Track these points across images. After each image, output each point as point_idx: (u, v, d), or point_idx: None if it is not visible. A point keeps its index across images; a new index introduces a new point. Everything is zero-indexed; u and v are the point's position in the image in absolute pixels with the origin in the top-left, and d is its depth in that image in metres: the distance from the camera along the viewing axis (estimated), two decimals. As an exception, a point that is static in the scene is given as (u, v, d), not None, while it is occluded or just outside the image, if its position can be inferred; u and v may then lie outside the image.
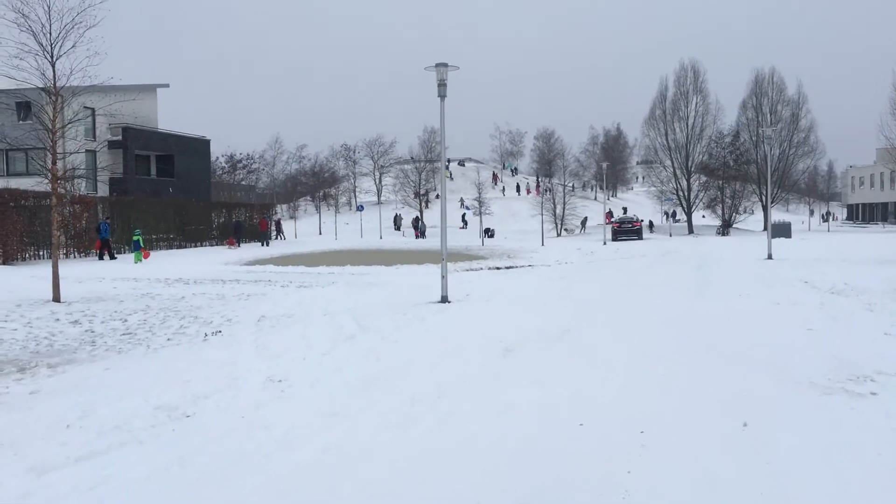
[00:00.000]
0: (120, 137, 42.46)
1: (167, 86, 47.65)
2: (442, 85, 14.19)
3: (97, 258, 29.48)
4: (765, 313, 12.31)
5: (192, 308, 14.48)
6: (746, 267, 22.87)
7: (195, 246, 40.35)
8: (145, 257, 28.71)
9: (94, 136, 41.65)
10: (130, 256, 29.44)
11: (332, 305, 14.43)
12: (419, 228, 59.78)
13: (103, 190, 41.94)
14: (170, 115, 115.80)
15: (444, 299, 14.42)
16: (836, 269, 20.81)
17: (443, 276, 14.57)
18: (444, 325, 11.49)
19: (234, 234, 43.29)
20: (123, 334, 11.49)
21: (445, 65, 14.07)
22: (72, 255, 30.13)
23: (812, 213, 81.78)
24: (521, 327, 11.02)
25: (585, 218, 62.48)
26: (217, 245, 42.51)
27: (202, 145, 49.55)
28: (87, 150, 40.63)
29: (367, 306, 14.10)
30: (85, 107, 40.85)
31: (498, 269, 24.22)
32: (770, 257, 26.04)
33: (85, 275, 22.15)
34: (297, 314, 13.34)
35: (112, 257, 29.72)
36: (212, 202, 47.25)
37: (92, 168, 41.34)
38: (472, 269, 23.86)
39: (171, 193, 43.99)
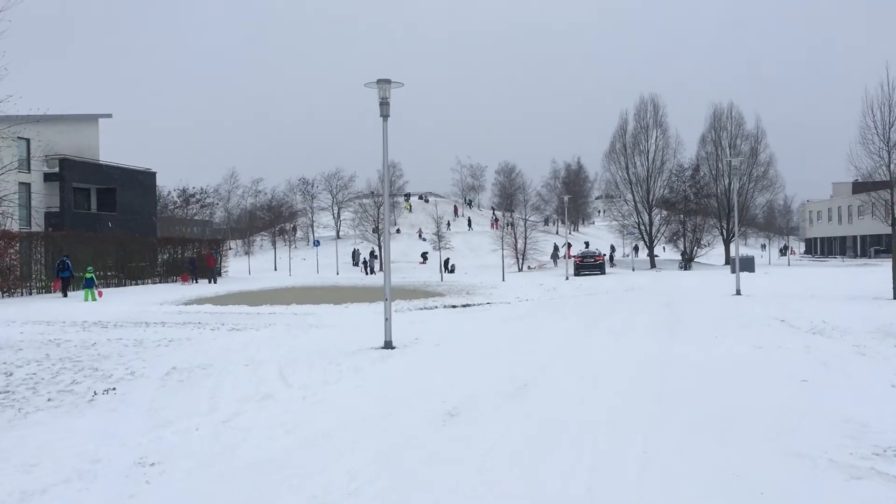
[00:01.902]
0: (57, 169, 40.08)
1: (110, 116, 45.48)
2: (384, 104, 12.66)
3: (62, 296, 28.62)
4: (749, 360, 10.86)
5: (98, 358, 12.58)
6: (716, 304, 21.61)
7: (137, 284, 38.03)
8: (99, 296, 27.27)
9: (29, 168, 39.28)
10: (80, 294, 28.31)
11: (260, 353, 12.65)
12: (368, 264, 57.94)
13: (38, 224, 39.53)
14: (115, 147, 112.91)
15: (388, 345, 12.73)
16: (810, 306, 19.65)
17: (386, 319, 12.89)
18: (381, 378, 9.79)
19: (189, 269, 41.29)
20: (-2, 393, 9.59)
21: (388, 81, 12.56)
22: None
23: (764, 247, 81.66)
24: (472, 380, 9.38)
25: (556, 247, 61.44)
26: (162, 283, 40.27)
27: (147, 178, 47.32)
28: (20, 183, 38.30)
29: (299, 354, 12.35)
30: (19, 137, 38.78)
31: (454, 307, 22.60)
32: (738, 293, 24.89)
33: (5, 316, 20.03)
34: (217, 364, 11.53)
35: (64, 295, 28.60)
36: (157, 238, 44.96)
37: (26, 201, 38.97)
38: (426, 308, 22.21)
39: (112, 228, 41.63)
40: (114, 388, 9.66)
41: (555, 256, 61.33)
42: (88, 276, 27.87)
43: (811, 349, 11.88)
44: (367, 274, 55.71)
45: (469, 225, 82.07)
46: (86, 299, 26.51)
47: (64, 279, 29.06)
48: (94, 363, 11.98)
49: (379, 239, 65.60)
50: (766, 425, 6.86)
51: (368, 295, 27.78)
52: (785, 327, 15.35)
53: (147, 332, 16.52)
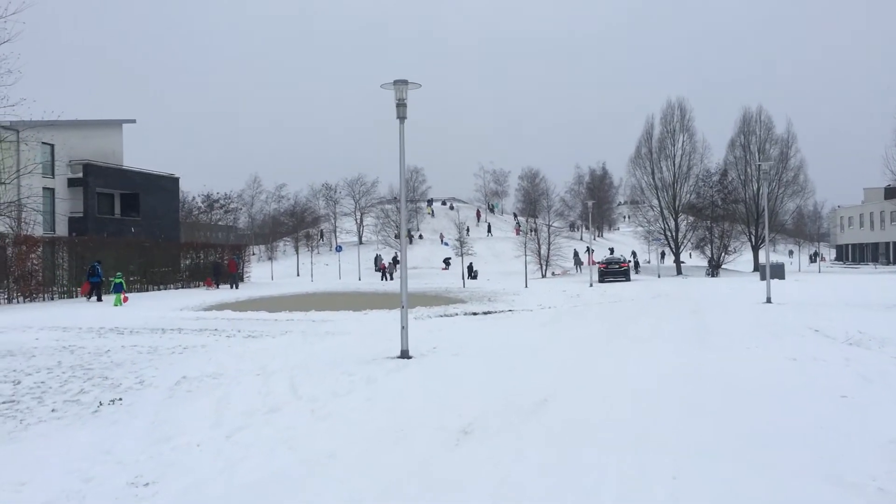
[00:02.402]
0: (80, 175, 40.24)
1: (133, 121, 45.69)
2: (401, 105, 12.27)
3: (86, 299, 29.27)
4: (783, 373, 10.30)
5: (109, 366, 12.32)
6: (745, 312, 20.93)
7: (160, 289, 38.01)
8: (124, 301, 27.67)
9: (53, 174, 39.48)
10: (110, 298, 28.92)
11: (273, 362, 12.29)
12: (388, 270, 57.43)
13: (62, 230, 39.71)
14: (139, 152, 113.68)
15: (404, 354, 12.31)
16: (845, 315, 18.93)
17: (403, 328, 12.47)
18: (395, 390, 9.37)
19: (214, 275, 41.31)
20: (3, 402, 9.32)
21: (405, 82, 12.18)
22: (14, 300, 27.82)
23: (791, 253, 80.00)
24: (489, 393, 8.93)
25: (576, 253, 60.68)
26: (184, 287, 40.26)
27: (170, 183, 47.44)
28: (44, 188, 38.51)
29: (312, 363, 11.98)
30: (43, 142, 39.01)
31: (475, 314, 22.14)
32: (769, 300, 24.15)
33: (24, 321, 19.94)
34: (228, 373, 11.20)
35: (99, 299, 28.91)
36: (179, 243, 45.01)
37: (49, 207, 39.16)
38: (446, 315, 21.77)
39: (135, 234, 41.73)
40: (120, 399, 9.35)
41: (577, 262, 60.57)
42: (118, 281, 28.48)
43: (850, 361, 11.27)
44: (382, 279, 55.29)
45: (489, 231, 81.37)
46: (115, 304, 27.03)
47: (94, 283, 29.56)
48: (105, 371, 11.71)
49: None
50: (805, 448, 6.34)
51: (389, 301, 27.40)
52: (819, 337, 14.72)
53: (163, 338, 16.27)
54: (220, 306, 26.74)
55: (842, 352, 12.48)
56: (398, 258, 63.39)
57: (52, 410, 8.81)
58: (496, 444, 6.50)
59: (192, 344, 15.27)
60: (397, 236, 66.18)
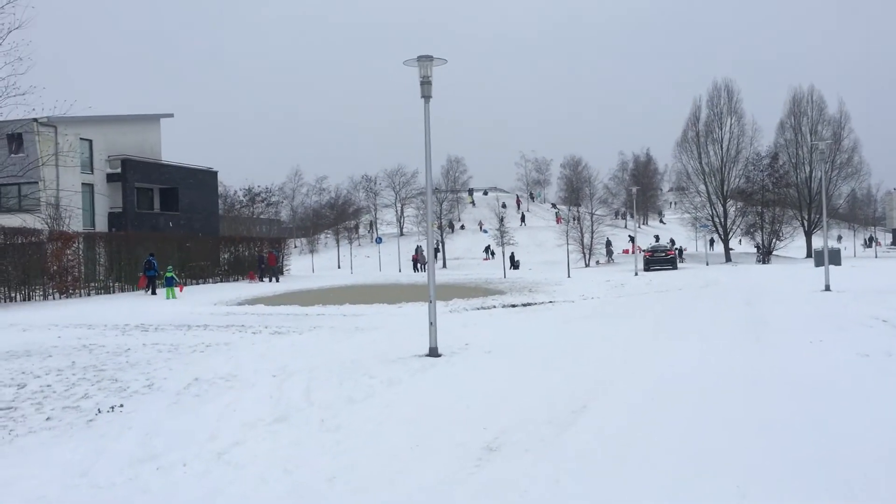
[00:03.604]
0: (119, 170, 40.21)
1: (171, 115, 45.57)
2: (426, 83, 11.34)
3: (148, 293, 29.96)
4: (855, 372, 9.14)
5: (124, 366, 11.68)
6: (803, 301, 19.57)
7: (199, 283, 37.79)
8: (180, 291, 28.86)
9: (92, 169, 39.51)
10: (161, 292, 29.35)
11: (294, 362, 11.50)
12: (418, 260, 56.50)
13: (102, 225, 39.78)
14: (177, 146, 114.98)
15: (433, 352, 11.43)
16: (911, 303, 17.51)
17: (431, 324, 11.57)
18: (417, 395, 8.48)
19: (258, 268, 41.25)
20: (1, 409, 8.70)
21: (430, 58, 11.24)
22: (50, 297, 27.71)
23: (840, 238, 76.71)
24: (522, 399, 7.98)
25: (609, 242, 58.82)
26: (223, 282, 40.02)
27: (209, 177, 47.27)
28: (83, 184, 38.58)
29: (335, 362, 11.16)
30: (81, 138, 39.08)
31: (514, 306, 21.16)
32: (828, 288, 22.68)
33: (52, 318, 19.61)
34: (243, 375, 10.44)
35: (153, 292, 29.68)
36: (218, 237, 44.82)
37: (89, 202, 39.26)
38: (483, 308, 20.83)
39: (173, 228, 41.61)
40: (121, 405, 8.63)
41: (609, 253, 58.64)
42: (169, 274, 28.94)
43: (930, 357, 10.05)
44: (415, 270, 54.42)
45: (522, 221, 79.47)
46: (168, 297, 27.67)
47: (150, 277, 30.16)
48: (117, 373, 11.06)
49: (442, 235, 64.59)
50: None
51: (425, 294, 26.30)
52: (889, 328, 13.44)
53: (186, 335, 15.66)
54: (254, 301, 26.22)
55: (918, 346, 11.22)
56: (438, 248, 62.70)
57: (47, 419, 8.14)
58: (525, 465, 5.55)
59: (215, 342, 14.61)
60: (439, 227, 65.47)
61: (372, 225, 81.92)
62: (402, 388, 8.85)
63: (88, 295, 29.88)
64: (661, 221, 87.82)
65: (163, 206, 44.18)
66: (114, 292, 31.50)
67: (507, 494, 4.96)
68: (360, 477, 5.39)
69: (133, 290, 32.59)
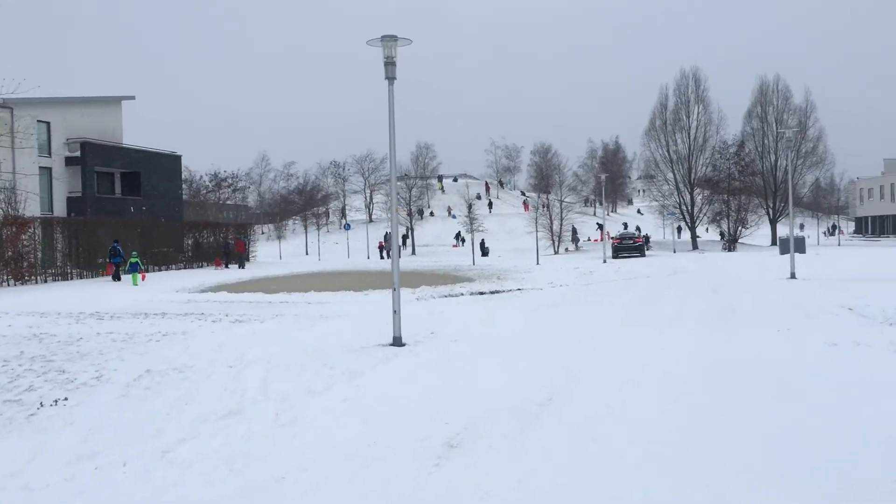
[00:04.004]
0: (78, 153, 39.10)
1: (133, 98, 44.41)
2: (390, 64, 10.96)
3: (114, 280, 29.50)
4: (826, 362, 9.00)
5: (74, 357, 11.18)
6: (770, 289, 19.59)
7: (161, 269, 36.96)
8: (142, 279, 28.35)
9: (50, 152, 38.39)
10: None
11: (253, 351, 11.11)
12: (384, 247, 56.29)
13: (60, 210, 38.71)
14: (140, 130, 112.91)
15: (397, 342, 11.11)
16: (877, 292, 17.58)
17: (395, 312, 11.24)
18: (377, 387, 8.16)
19: (224, 255, 40.66)
20: (-63, 404, 8.21)
21: (394, 38, 10.86)
22: (5, 283, 26.83)
23: (802, 226, 77.68)
24: (487, 391, 7.71)
25: (574, 230, 58.78)
26: (187, 268, 39.22)
27: (172, 161, 46.21)
28: (41, 167, 37.46)
29: (295, 352, 10.79)
30: (39, 120, 37.94)
31: (482, 294, 20.90)
32: (793, 276, 22.77)
33: (3, 306, 18.93)
34: (199, 365, 10.03)
35: (118, 279, 29.43)
36: (182, 223, 43.92)
37: (47, 186, 38.17)
38: (451, 295, 20.54)
39: (134, 213, 40.65)
40: (66, 399, 8.18)
41: (575, 240, 58.63)
42: (133, 260, 28.68)
43: (897, 346, 9.97)
44: (382, 258, 54.04)
45: (489, 208, 79.33)
46: (134, 283, 27.57)
47: (116, 264, 29.85)
48: (66, 364, 10.56)
49: (411, 222, 64.15)
50: (878, 466, 5.08)
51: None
52: (855, 317, 13.40)
53: (143, 324, 15.15)
54: (217, 288, 25.64)
55: (885, 334, 11.17)
56: (407, 235, 62.28)
57: (-17, 414, 7.68)
58: (486, 464, 5.26)
59: (172, 330, 14.13)
60: (408, 213, 64.99)
61: (342, 211, 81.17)
62: (363, 380, 8.52)
63: (45, 282, 29.02)
64: (638, 212, 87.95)
65: (124, 190, 43.11)
66: (71, 279, 30.65)
67: (466, 498, 4.66)
68: (312, 477, 5.07)
69: (92, 277, 31.80)
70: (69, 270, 31.12)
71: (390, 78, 11.02)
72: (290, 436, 6.14)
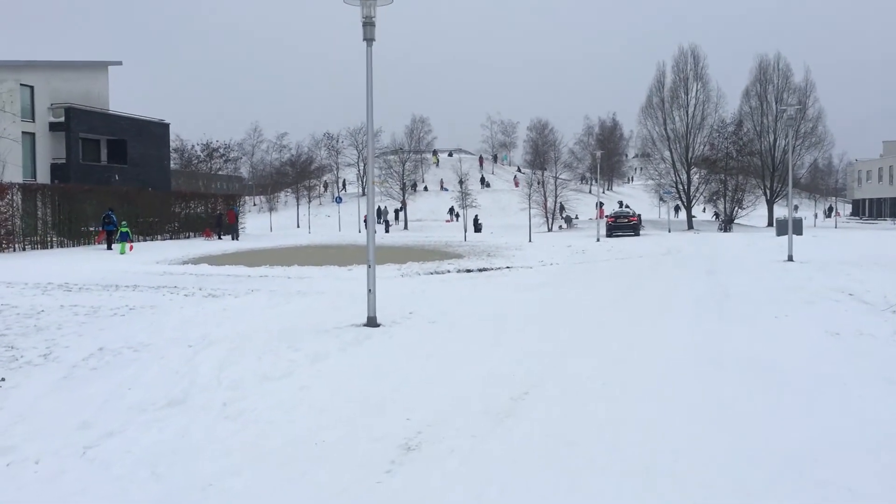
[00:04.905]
0: (63, 119, 38.12)
1: (119, 63, 43.33)
2: (369, 24, 10.18)
3: (106, 248, 29.56)
4: (828, 353, 8.38)
5: (28, 331, 10.51)
6: (766, 272, 18.95)
7: (147, 240, 36.19)
8: (130, 250, 28.21)
9: (33, 117, 37.41)
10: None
11: (218, 329, 10.45)
12: (383, 219, 55.68)
13: (44, 177, 37.83)
14: (129, 97, 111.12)
15: (371, 322, 10.44)
16: (876, 276, 16.99)
17: (369, 291, 10.56)
18: (341, 373, 7.50)
19: (216, 225, 40.48)
20: None
21: (374, -4, 10.06)
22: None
23: (797, 208, 76.95)
24: (458, 381, 7.06)
25: (562, 207, 58.02)
26: (173, 239, 38.49)
27: (160, 129, 45.22)
28: (24, 132, 36.51)
29: (261, 332, 10.12)
30: (22, 84, 36.93)
31: (469, 271, 20.23)
32: (790, 259, 22.13)
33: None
34: (156, 344, 9.36)
35: (109, 247, 29.45)
36: (169, 192, 43.06)
37: (29, 152, 37.25)
38: (437, 272, 19.87)
39: (119, 181, 39.76)
40: (2, 379, 7.52)
41: (567, 218, 57.81)
42: (124, 230, 28.81)
43: (903, 337, 9.35)
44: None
45: (482, 183, 78.44)
46: (121, 252, 27.53)
47: (109, 232, 29.76)
48: (18, 339, 9.90)
49: (404, 196, 63.34)
50: (889, 472, 4.45)
51: (383, 255, 25.45)
52: (856, 303, 12.78)
53: (112, 297, 14.46)
54: (199, 260, 24.93)
55: (888, 323, 10.55)
56: (400, 209, 61.50)
57: (-90, 396, 7.01)
58: (442, 475, 4.60)
59: (141, 304, 13.47)
60: (401, 188, 64.12)
61: (336, 183, 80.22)
62: (326, 365, 7.86)
63: (24, 250, 28.28)
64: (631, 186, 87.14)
65: (110, 158, 42.19)
66: (52, 247, 29.92)
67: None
68: (240, 485, 4.41)
69: (74, 246, 31.09)
70: (50, 239, 30.38)
71: (369, 39, 10.25)
72: (231, 432, 5.49)
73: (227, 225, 40.91)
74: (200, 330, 10.44)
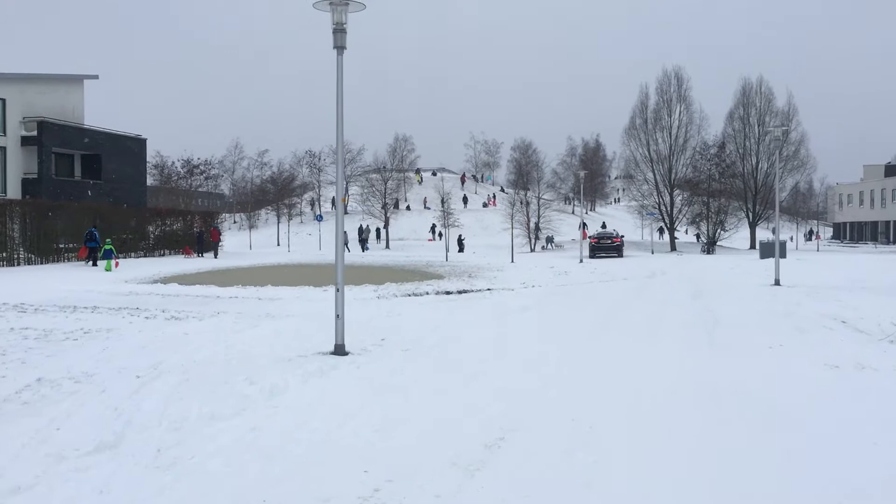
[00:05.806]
0: (35, 133, 37.15)
1: (96, 77, 42.42)
2: (339, 31, 9.54)
3: (88, 264, 29.59)
4: (829, 390, 7.74)
5: (-35, 358, 9.67)
6: (754, 296, 18.39)
7: (121, 257, 35.15)
8: (116, 266, 28.15)
9: (4, 130, 36.44)
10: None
11: (174, 357, 9.67)
12: (362, 239, 54.95)
13: (15, 192, 36.78)
14: (106, 112, 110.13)
15: (339, 350, 9.70)
16: (868, 302, 16.45)
17: (337, 316, 9.82)
18: (298, 413, 6.73)
19: (197, 243, 39.90)
20: None
21: (345, 3, 9.42)
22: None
23: (773, 231, 77.07)
24: (427, 422, 6.34)
25: (538, 228, 57.47)
26: (147, 256, 37.49)
27: (136, 144, 44.25)
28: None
29: (219, 360, 9.37)
30: (-7, 97, 35.97)
31: (448, 293, 19.52)
32: (777, 283, 21.61)
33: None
34: (101, 374, 8.57)
35: (94, 264, 29.44)
36: (144, 209, 42.10)
37: (0, 167, 36.25)
38: (415, 294, 19.14)
39: (92, 197, 38.75)
40: None
41: (548, 238, 57.19)
42: (108, 247, 29.27)
43: (907, 372, 8.74)
44: (347, 251, 52.83)
45: (464, 202, 77.92)
46: (107, 269, 27.58)
47: (91, 248, 29.82)
48: (-50, 368, 9.06)
49: (387, 214, 62.68)
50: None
51: (359, 276, 24.69)
52: (851, 332, 12.20)
53: (67, 319, 13.61)
54: (169, 279, 24.03)
55: (888, 355, 9.96)
56: (382, 228, 60.81)
57: None
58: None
59: (97, 327, 12.65)
60: (383, 206, 63.45)
61: (318, 201, 79.35)
62: (283, 401, 7.11)
63: (-12, 267, 27.28)
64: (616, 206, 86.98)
65: (84, 173, 41.17)
66: (18, 265, 28.92)
67: None
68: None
69: (43, 263, 30.11)
70: (18, 256, 29.39)
71: (339, 47, 9.59)
72: (157, 488, 4.71)
73: (208, 242, 40.21)
74: (154, 358, 9.66)
